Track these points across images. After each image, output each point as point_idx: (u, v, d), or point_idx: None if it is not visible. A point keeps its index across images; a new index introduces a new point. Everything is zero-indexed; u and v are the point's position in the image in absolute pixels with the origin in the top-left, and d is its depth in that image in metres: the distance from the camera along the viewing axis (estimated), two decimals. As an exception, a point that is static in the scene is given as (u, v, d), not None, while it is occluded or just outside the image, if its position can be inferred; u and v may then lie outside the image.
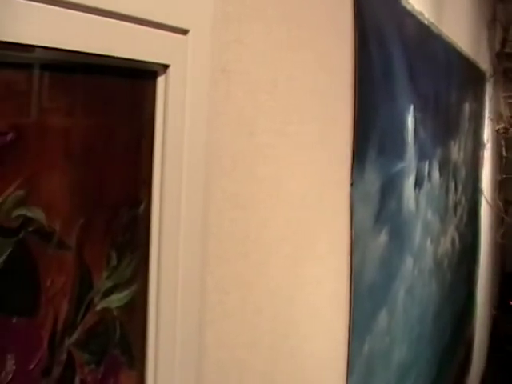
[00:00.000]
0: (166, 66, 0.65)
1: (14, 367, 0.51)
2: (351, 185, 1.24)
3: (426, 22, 1.91)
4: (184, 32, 0.67)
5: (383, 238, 1.46)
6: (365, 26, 1.30)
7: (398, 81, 1.60)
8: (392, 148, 1.56)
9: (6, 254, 0.50)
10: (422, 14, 1.85)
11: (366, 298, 1.34)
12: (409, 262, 1.76)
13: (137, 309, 0.64)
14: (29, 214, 0.52)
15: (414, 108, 1.76)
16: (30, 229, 0.52)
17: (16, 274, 0.51)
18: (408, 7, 1.68)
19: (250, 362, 0.89)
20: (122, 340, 0.62)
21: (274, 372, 0.98)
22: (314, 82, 1.09)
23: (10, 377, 0.51)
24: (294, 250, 1.03)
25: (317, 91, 1.11)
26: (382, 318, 1.48)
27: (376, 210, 1.40)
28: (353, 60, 1.27)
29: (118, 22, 0.59)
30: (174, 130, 0.65)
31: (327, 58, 1.16)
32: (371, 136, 1.35)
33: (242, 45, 0.86)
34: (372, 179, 1.36)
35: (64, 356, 0.55)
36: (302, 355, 1.07)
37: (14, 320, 0.51)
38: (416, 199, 1.82)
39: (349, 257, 1.25)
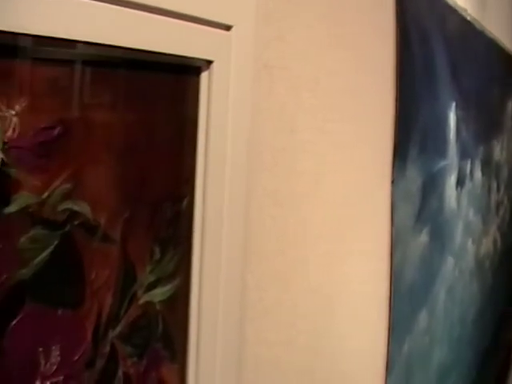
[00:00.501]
0: (209, 62, 0.65)
1: (59, 358, 0.52)
2: (392, 183, 1.23)
3: (468, 18, 1.88)
4: (228, 28, 0.67)
5: (424, 237, 1.44)
6: (407, 22, 1.28)
7: (439, 78, 1.58)
8: (434, 146, 1.54)
9: (53, 246, 0.51)
10: (464, 10, 1.82)
11: (406, 298, 1.32)
12: (450, 262, 1.74)
13: (179, 303, 0.64)
14: (75, 208, 0.52)
15: (456, 106, 1.73)
16: (76, 222, 0.53)
17: (62, 267, 0.52)
18: (450, 3, 1.65)
19: (288, 359, 0.89)
20: (164, 334, 0.62)
21: (312, 370, 0.97)
22: (355, 79, 1.08)
23: (55, 368, 0.51)
24: (333, 248, 1.02)
25: (358, 88, 1.10)
26: (423, 318, 1.46)
27: (417, 209, 1.38)
28: (394, 57, 1.25)
29: (162, 17, 0.60)
30: (217, 125, 0.65)
31: (369, 55, 1.15)
32: (413, 133, 1.33)
33: (283, 41, 0.86)
34: (413, 177, 1.35)
35: (107, 348, 0.55)
36: (340, 354, 1.07)
37: (60, 312, 0.52)
38: (457, 198, 1.79)
39: (389, 256, 1.24)
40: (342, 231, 1.05)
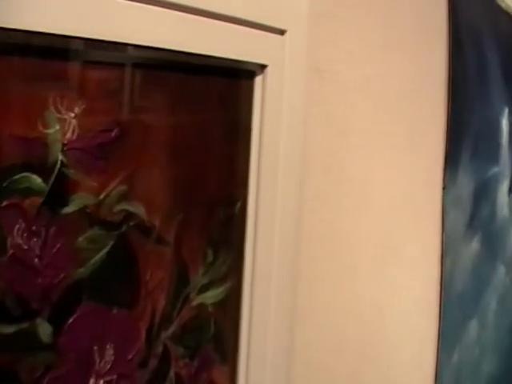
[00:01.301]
0: (263, 66, 0.65)
1: (113, 357, 0.52)
2: (443, 188, 1.21)
3: (522, 21, 1.83)
4: (281, 32, 0.67)
5: (475, 244, 1.41)
6: (459, 25, 1.26)
7: (492, 82, 1.54)
8: (486, 151, 1.51)
9: (109, 246, 0.52)
10: (518, 12, 1.77)
11: (455, 307, 1.30)
12: (501, 270, 1.70)
13: (230, 306, 0.64)
14: (130, 209, 0.53)
15: (509, 111, 1.69)
16: (132, 223, 0.53)
17: (117, 267, 0.53)
18: (502, 5, 1.62)
19: (336, 365, 0.88)
20: (216, 336, 0.63)
21: (359, 377, 0.96)
22: (406, 82, 1.07)
23: (109, 366, 0.52)
24: (383, 254, 1.01)
25: (409, 91, 1.09)
26: (472, 327, 1.43)
27: (468, 216, 1.35)
28: (446, 60, 1.23)
29: (217, 22, 0.60)
30: (270, 129, 0.65)
31: (420, 58, 1.13)
32: (465, 138, 1.31)
33: (335, 45, 0.86)
34: (465, 183, 1.32)
35: (160, 349, 0.56)
36: (388, 361, 1.05)
37: (115, 311, 0.53)
38: (510, 206, 1.75)
39: (439, 263, 1.22)
40: (392, 237, 1.04)
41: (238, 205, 0.65)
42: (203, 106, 0.62)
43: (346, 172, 0.88)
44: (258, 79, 0.66)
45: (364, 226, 0.94)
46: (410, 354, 1.15)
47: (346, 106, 0.88)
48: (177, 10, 0.56)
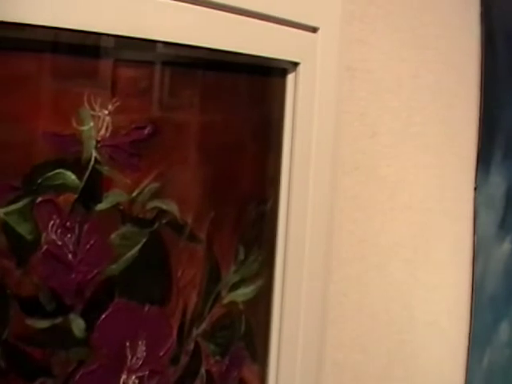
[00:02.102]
0: (295, 64, 0.65)
1: (145, 353, 0.53)
2: (475, 189, 1.19)
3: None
4: (314, 30, 0.67)
5: (507, 245, 1.39)
6: (492, 23, 1.24)
7: (525, 81, 1.52)
8: (518, 151, 1.48)
9: (142, 243, 0.52)
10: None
11: (486, 308, 1.28)
12: (533, 272, 1.67)
13: (261, 304, 0.64)
14: (163, 207, 0.53)
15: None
16: (164, 221, 0.54)
17: (150, 264, 0.53)
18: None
19: (365, 365, 0.88)
20: (247, 334, 0.63)
21: (388, 379, 0.95)
22: (437, 81, 1.06)
23: (141, 362, 0.53)
24: (413, 255, 1.00)
25: (441, 91, 1.07)
26: (503, 330, 1.41)
27: (500, 217, 1.33)
28: (479, 59, 1.22)
29: (249, 19, 0.60)
30: (302, 128, 0.65)
31: (452, 57, 1.12)
32: (497, 138, 1.29)
33: (366, 43, 0.85)
34: (497, 183, 1.30)
35: (191, 346, 0.56)
36: (417, 363, 1.04)
37: (147, 308, 0.53)
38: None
39: (470, 264, 1.20)
40: (423, 238, 1.03)
41: (270, 203, 0.65)
42: (235, 103, 0.62)
43: (376, 172, 0.87)
44: (290, 77, 0.65)
45: (394, 227, 0.93)
46: (439, 355, 1.14)
47: (378, 105, 0.87)
48: (209, 7, 0.56)
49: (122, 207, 0.51)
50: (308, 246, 0.67)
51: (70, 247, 0.48)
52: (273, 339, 0.65)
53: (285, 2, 0.63)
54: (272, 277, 0.65)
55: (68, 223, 0.47)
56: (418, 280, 1.02)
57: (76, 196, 0.48)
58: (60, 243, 0.47)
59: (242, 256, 0.61)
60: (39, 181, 0.46)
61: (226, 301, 0.60)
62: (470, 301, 1.21)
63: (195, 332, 0.57)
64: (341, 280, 0.80)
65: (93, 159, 0.49)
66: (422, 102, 1.00)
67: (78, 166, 0.48)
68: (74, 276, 0.48)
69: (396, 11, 0.92)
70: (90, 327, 0.49)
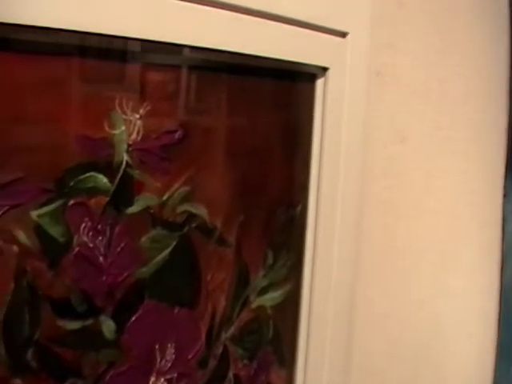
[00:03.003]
0: (325, 69, 0.65)
1: (174, 356, 0.53)
2: (504, 196, 1.18)
3: None
4: (343, 35, 0.67)
5: (536, 253, 1.37)
6: (522, 28, 1.23)
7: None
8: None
9: (171, 247, 0.52)
10: None
11: (515, 317, 1.26)
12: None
13: (289, 309, 0.64)
14: (193, 210, 0.54)
15: None
16: (194, 224, 0.54)
17: (179, 267, 0.53)
18: None
19: (391, 371, 0.87)
20: (275, 339, 0.62)
21: (415, 385, 0.95)
22: (466, 85, 1.05)
23: (170, 365, 0.53)
24: (441, 260, 0.99)
25: (469, 95, 1.06)
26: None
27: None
28: (508, 63, 1.20)
29: (278, 24, 0.60)
30: (331, 133, 0.65)
31: (481, 61, 1.11)
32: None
33: (395, 48, 0.85)
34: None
35: (220, 349, 0.56)
36: (444, 370, 1.03)
37: (176, 311, 0.53)
38: None
39: (499, 271, 1.19)
40: (451, 244, 1.02)
41: (299, 208, 0.65)
42: (264, 108, 0.62)
43: (405, 177, 0.87)
44: (320, 82, 0.65)
45: (422, 232, 0.92)
46: (467, 363, 1.12)
47: (407, 110, 0.87)
48: (240, 12, 0.56)
49: (152, 211, 0.51)
50: (336, 251, 0.66)
51: (101, 250, 0.48)
52: (300, 344, 0.65)
53: (314, 6, 0.63)
54: (300, 282, 0.65)
55: (99, 226, 0.48)
56: (445, 286, 1.01)
57: (107, 199, 0.48)
58: (91, 246, 0.48)
59: (270, 260, 0.62)
60: (71, 184, 0.46)
61: (254, 305, 0.60)
62: (498, 308, 1.19)
63: (224, 336, 0.57)
64: (369, 285, 0.79)
65: (124, 163, 0.49)
66: (450, 106, 0.99)
67: (109, 170, 0.48)
68: (104, 278, 0.48)
69: (425, 15, 0.91)
70: (120, 329, 0.50)
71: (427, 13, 0.91)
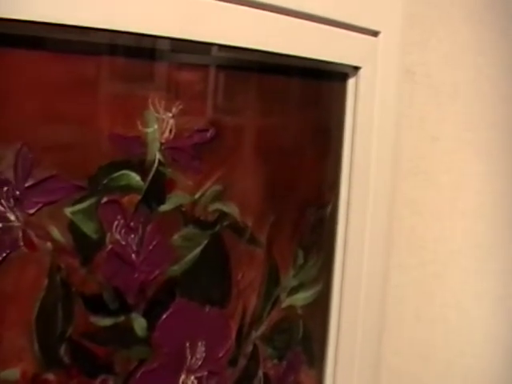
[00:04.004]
0: (356, 68, 0.65)
1: (204, 354, 0.53)
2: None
3: None
4: (375, 34, 0.66)
5: None
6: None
7: None
8: None
9: (203, 245, 0.52)
10: None
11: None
12: None
13: (319, 309, 0.64)
14: (224, 209, 0.54)
15: None
16: (225, 223, 0.54)
17: (210, 265, 0.53)
18: None
19: (422, 375, 0.86)
20: (304, 338, 0.62)
21: (445, 387, 0.94)
22: (500, 87, 1.03)
23: (200, 363, 0.53)
24: (472, 263, 0.98)
25: (503, 97, 1.05)
26: None
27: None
28: (542, 64, 1.18)
29: (310, 23, 0.60)
30: (363, 132, 0.64)
31: (513, 61, 1.09)
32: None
33: (426, 47, 0.84)
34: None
35: (250, 348, 0.56)
36: (476, 376, 1.02)
37: (207, 309, 0.53)
38: None
39: (530, 275, 1.16)
40: (482, 246, 1.00)
41: (329, 208, 0.64)
42: (296, 107, 0.62)
43: (435, 178, 0.86)
44: (351, 81, 0.65)
45: (453, 234, 0.91)
46: (501, 367, 1.11)
47: (438, 109, 0.86)
48: (272, 11, 0.56)
49: (184, 209, 0.51)
50: (367, 251, 0.66)
51: (134, 247, 0.48)
52: (330, 344, 0.65)
53: (346, 5, 0.63)
54: (330, 282, 0.65)
55: (132, 223, 0.48)
56: (477, 289, 0.99)
57: (140, 197, 0.49)
58: (124, 243, 0.48)
59: (301, 260, 0.61)
60: (104, 181, 0.47)
61: (284, 305, 0.60)
62: (530, 313, 1.17)
63: (254, 335, 0.57)
64: (399, 286, 0.78)
65: (157, 161, 0.50)
66: (483, 107, 0.98)
67: (142, 168, 0.49)
68: (136, 275, 0.49)
69: (456, 14, 0.90)
70: (151, 326, 0.50)
71: (459, 11, 0.90)
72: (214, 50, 0.54)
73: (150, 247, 0.49)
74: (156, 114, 0.49)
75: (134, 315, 0.49)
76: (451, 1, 0.88)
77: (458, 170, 0.92)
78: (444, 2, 0.87)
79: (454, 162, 0.91)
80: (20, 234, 0.43)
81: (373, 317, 0.69)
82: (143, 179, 0.49)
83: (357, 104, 0.65)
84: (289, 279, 0.60)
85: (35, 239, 0.43)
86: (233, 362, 0.56)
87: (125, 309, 0.48)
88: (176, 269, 0.51)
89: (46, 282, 0.44)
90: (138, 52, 0.49)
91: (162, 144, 0.50)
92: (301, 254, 0.62)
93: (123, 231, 0.48)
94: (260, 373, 0.58)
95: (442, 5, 0.86)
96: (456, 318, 0.93)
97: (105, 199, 0.47)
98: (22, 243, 0.43)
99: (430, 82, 0.84)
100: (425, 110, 0.83)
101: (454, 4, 0.89)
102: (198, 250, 0.52)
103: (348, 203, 0.65)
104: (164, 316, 0.50)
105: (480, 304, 1.01)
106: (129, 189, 0.48)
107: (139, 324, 0.49)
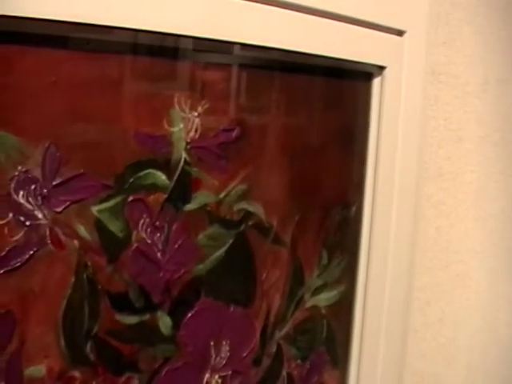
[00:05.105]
0: (381, 68, 0.64)
1: (229, 353, 0.53)
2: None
3: None
4: (400, 33, 0.66)
5: None
6: None
7: None
8: None
9: (228, 244, 0.52)
10: None
11: None
12: None
13: (343, 310, 0.64)
14: (250, 208, 0.54)
15: None
16: (250, 223, 0.54)
17: (235, 265, 0.53)
18: None
19: (445, 377, 0.85)
20: (328, 339, 0.62)
21: (468, 390, 0.93)
22: (525, 86, 1.02)
23: (224, 362, 0.53)
24: (496, 265, 0.97)
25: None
26: None
27: None
28: None
29: (335, 22, 0.60)
30: (388, 132, 0.64)
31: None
32: None
33: (450, 47, 0.83)
34: None
35: (274, 348, 0.56)
36: (500, 379, 1.01)
37: (232, 308, 0.53)
38: None
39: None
40: (506, 249, 0.99)
41: (354, 208, 0.64)
42: (321, 107, 0.62)
43: (460, 178, 0.85)
44: (376, 81, 0.65)
45: (477, 236, 0.90)
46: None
47: (463, 109, 0.85)
48: (298, 11, 0.56)
49: (209, 208, 0.51)
50: (391, 252, 0.66)
51: (159, 246, 0.49)
52: (354, 345, 0.65)
53: (371, 5, 0.63)
54: (354, 282, 0.64)
55: (157, 222, 0.48)
56: (501, 292, 0.98)
57: (166, 196, 0.49)
58: (149, 242, 0.48)
59: (325, 260, 0.61)
60: (131, 180, 0.47)
61: (308, 305, 0.60)
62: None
63: (278, 334, 0.57)
64: (423, 288, 0.78)
65: (182, 160, 0.50)
66: (507, 107, 0.97)
67: (167, 167, 0.49)
68: (162, 274, 0.49)
69: (481, 13, 0.89)
70: (176, 325, 0.50)
71: (484, 10, 0.89)
72: (239, 49, 0.54)
73: (176, 246, 0.49)
74: (182, 113, 0.49)
75: (159, 314, 0.49)
76: (476, 0, 0.88)
77: (482, 170, 0.91)
78: (470, 2, 0.86)
79: (479, 163, 0.90)
80: (47, 232, 0.43)
81: (397, 318, 0.69)
82: (169, 178, 0.49)
83: (382, 104, 0.64)
84: (313, 279, 0.60)
85: (62, 237, 0.44)
86: (257, 362, 0.56)
87: (150, 307, 0.49)
88: (201, 268, 0.51)
89: (72, 279, 0.45)
90: (164, 51, 0.49)
91: (187, 143, 0.50)
92: (325, 253, 0.61)
93: (149, 230, 0.48)
94: (284, 373, 0.58)
95: (468, 4, 0.86)
96: (480, 321, 0.93)
97: (131, 198, 0.47)
98: (49, 241, 0.43)
99: (455, 83, 0.84)
100: (450, 109, 0.83)
101: (479, 4, 0.88)
102: (223, 250, 0.52)
103: (373, 204, 0.64)
104: (189, 315, 0.51)
105: (505, 307, 1.00)
106: (155, 188, 0.48)
107: (164, 322, 0.49)
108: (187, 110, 0.50)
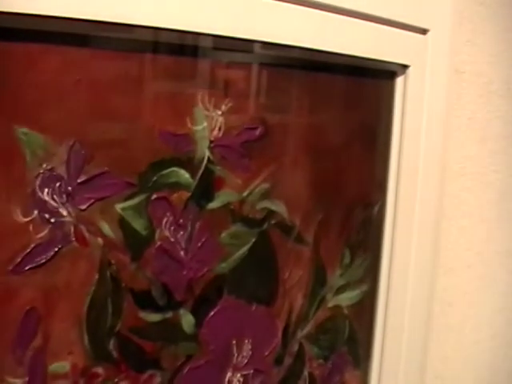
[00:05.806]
0: (405, 67, 0.64)
1: (250, 352, 0.53)
2: None
3: None
4: (424, 32, 0.66)
5: None
6: None
7: None
8: None
9: (251, 243, 0.52)
10: None
11: None
12: None
13: (365, 309, 0.63)
14: (272, 207, 0.54)
15: None
16: (273, 221, 0.54)
17: (258, 263, 0.53)
18: None
19: (467, 378, 0.85)
20: (350, 339, 0.62)
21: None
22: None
23: (246, 360, 0.53)
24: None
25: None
26: None
27: None
28: None
29: (359, 21, 0.59)
30: (411, 131, 0.64)
31: None
32: None
33: (474, 45, 0.82)
34: None
35: (295, 347, 0.56)
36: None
37: (254, 307, 0.53)
38: None
39: None
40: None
41: (377, 207, 0.64)
42: (344, 106, 0.61)
43: (483, 178, 0.84)
44: (400, 80, 0.64)
45: (500, 236, 0.89)
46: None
47: (487, 109, 0.84)
48: (321, 9, 0.56)
49: (232, 207, 0.51)
50: (414, 252, 0.65)
51: (182, 244, 0.49)
52: (375, 346, 0.64)
53: (395, 4, 0.62)
54: (377, 282, 0.64)
55: (181, 220, 0.49)
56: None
57: (189, 194, 0.49)
58: (173, 240, 0.48)
59: (347, 260, 0.61)
60: (154, 178, 0.47)
61: (330, 304, 0.59)
62: None
63: (300, 334, 0.57)
64: (446, 289, 0.77)
65: (206, 158, 0.50)
66: (532, 106, 0.96)
67: (191, 165, 0.49)
68: (185, 272, 0.49)
69: (505, 11, 0.88)
70: (198, 323, 0.50)
71: (508, 8, 0.88)
72: (262, 47, 0.54)
73: (199, 244, 0.49)
74: (205, 112, 0.49)
75: (181, 311, 0.49)
76: (500, -1, 0.87)
77: (505, 170, 0.90)
78: (493, 0, 0.85)
79: (502, 162, 0.89)
80: (72, 230, 0.43)
81: (419, 319, 0.68)
82: (192, 176, 0.49)
83: (405, 103, 0.64)
84: (335, 278, 0.60)
85: (86, 234, 0.44)
86: (278, 361, 0.56)
87: (173, 305, 0.49)
88: (224, 266, 0.51)
89: (96, 276, 0.45)
90: (187, 50, 0.49)
91: (211, 141, 0.50)
92: (348, 253, 0.61)
93: (172, 228, 0.48)
94: (305, 372, 0.58)
95: (490, 2, 0.85)
96: (502, 323, 0.92)
97: (154, 196, 0.47)
98: (73, 238, 0.43)
99: (478, 81, 0.83)
100: (474, 109, 0.82)
101: (503, 2, 0.87)
102: (245, 248, 0.52)
103: (395, 203, 0.64)
104: (211, 313, 0.51)
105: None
106: (178, 186, 0.49)
107: (187, 320, 0.50)
108: (211, 109, 0.50)
